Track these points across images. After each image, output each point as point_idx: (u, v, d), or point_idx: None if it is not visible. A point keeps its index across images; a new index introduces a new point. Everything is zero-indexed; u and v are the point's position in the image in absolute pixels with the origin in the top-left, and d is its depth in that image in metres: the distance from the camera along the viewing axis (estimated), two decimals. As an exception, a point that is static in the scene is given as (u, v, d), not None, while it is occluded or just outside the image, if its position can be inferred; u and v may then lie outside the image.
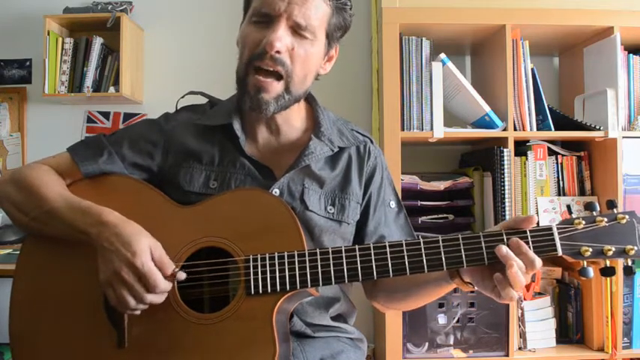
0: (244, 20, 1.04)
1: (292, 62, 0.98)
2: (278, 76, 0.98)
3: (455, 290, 1.84)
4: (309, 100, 1.14)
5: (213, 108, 1.13)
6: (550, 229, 0.87)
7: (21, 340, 0.97)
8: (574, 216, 0.90)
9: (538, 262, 0.85)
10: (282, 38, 0.96)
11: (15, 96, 2.38)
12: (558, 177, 1.97)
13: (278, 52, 0.96)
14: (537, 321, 1.91)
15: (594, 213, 0.88)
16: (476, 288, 0.93)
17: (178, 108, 1.16)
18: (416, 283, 1.03)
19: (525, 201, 1.90)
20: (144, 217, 0.95)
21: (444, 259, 0.88)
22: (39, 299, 0.98)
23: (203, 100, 1.18)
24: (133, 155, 1.08)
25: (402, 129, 1.86)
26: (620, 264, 0.90)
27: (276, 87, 0.98)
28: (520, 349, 1.90)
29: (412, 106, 1.88)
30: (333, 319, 1.10)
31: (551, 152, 1.97)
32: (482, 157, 2.00)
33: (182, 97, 1.18)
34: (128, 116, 2.38)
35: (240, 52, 1.01)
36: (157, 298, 0.89)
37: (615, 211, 0.88)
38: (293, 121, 1.10)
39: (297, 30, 0.97)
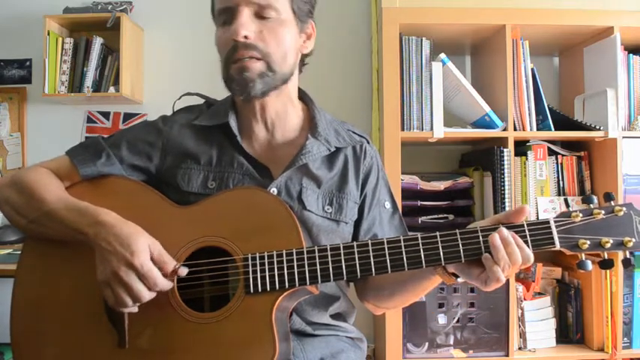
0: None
1: (265, 43, 0.99)
2: (256, 58, 0.99)
3: (455, 290, 1.84)
4: (306, 100, 1.15)
5: (210, 108, 1.14)
6: (547, 222, 0.87)
7: (22, 340, 0.97)
8: (571, 209, 0.90)
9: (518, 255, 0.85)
10: (245, 24, 0.97)
11: (15, 96, 2.38)
12: (558, 177, 1.97)
13: (246, 37, 0.97)
14: (537, 321, 1.91)
15: (591, 206, 0.89)
16: (459, 280, 0.93)
17: (175, 110, 1.16)
18: (400, 280, 1.04)
19: (525, 201, 1.90)
20: (142, 217, 0.95)
21: (441, 253, 0.89)
22: (40, 299, 0.97)
23: (200, 101, 1.18)
24: (132, 157, 1.08)
25: (402, 129, 1.86)
26: (619, 257, 0.90)
27: (257, 65, 0.99)
28: (520, 349, 1.90)
29: (412, 106, 1.87)
30: (333, 317, 1.10)
31: (551, 152, 1.97)
32: (483, 157, 2.00)
33: (178, 98, 1.18)
34: (128, 116, 2.38)
35: (220, 56, 1.03)
36: (154, 295, 0.90)
37: (612, 203, 0.88)
38: (288, 118, 1.10)
39: (260, 13, 0.99)
